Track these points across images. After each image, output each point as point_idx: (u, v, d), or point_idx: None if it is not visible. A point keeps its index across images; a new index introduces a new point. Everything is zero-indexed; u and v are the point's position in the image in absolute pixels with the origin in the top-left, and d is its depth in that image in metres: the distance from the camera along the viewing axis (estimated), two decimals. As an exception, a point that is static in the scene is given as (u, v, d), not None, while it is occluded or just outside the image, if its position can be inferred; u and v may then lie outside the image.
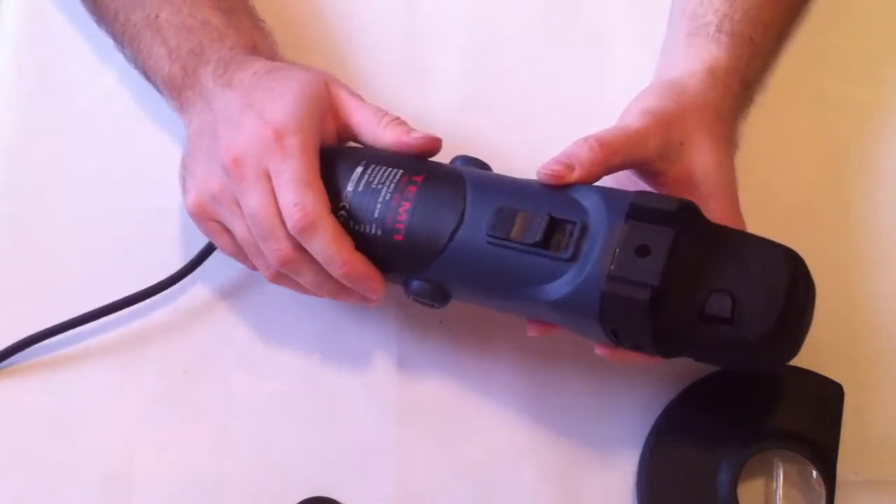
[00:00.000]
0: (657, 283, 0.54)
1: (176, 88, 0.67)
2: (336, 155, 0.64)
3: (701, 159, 0.62)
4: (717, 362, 0.61)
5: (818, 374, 0.65)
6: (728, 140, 0.65)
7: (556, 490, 0.66)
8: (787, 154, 0.73)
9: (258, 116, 0.62)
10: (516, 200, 0.59)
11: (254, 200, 0.61)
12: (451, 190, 0.60)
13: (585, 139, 0.60)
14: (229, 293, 0.70)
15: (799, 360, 0.66)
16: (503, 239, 0.58)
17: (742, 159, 0.67)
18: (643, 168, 0.63)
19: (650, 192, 0.59)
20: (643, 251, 0.55)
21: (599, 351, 0.60)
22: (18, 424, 0.68)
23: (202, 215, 0.64)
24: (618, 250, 0.55)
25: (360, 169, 0.62)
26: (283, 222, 0.60)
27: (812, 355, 0.67)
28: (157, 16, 0.68)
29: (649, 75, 0.70)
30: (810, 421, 0.64)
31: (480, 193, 0.60)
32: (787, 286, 0.55)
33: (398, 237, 0.60)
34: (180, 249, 0.70)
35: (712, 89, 0.65)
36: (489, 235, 0.58)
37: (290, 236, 0.60)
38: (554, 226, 0.57)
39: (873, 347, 0.68)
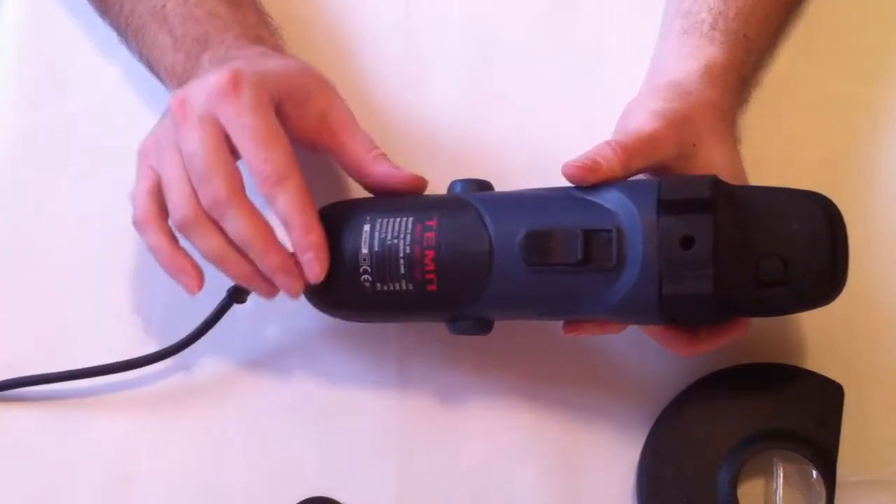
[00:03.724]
0: (712, 270, 0.54)
1: (178, 76, 0.67)
2: (333, 216, 0.61)
3: (714, 158, 0.62)
4: (774, 315, 0.62)
5: (818, 374, 0.65)
6: (733, 136, 0.66)
7: (556, 490, 0.66)
8: (785, 152, 0.73)
9: (223, 68, 0.60)
10: (541, 218, 0.58)
11: (194, 142, 0.59)
12: (469, 224, 0.59)
13: (608, 142, 0.60)
14: (229, 293, 0.70)
15: (799, 360, 0.67)
16: (542, 264, 0.57)
17: (741, 156, 0.67)
18: (659, 171, 0.62)
19: (675, 179, 0.58)
20: (687, 243, 0.55)
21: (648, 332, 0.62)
22: (18, 424, 0.68)
23: (143, 158, 0.63)
24: (662, 248, 0.55)
25: (366, 227, 0.60)
26: (222, 165, 0.58)
27: (812, 355, 0.67)
28: (163, 6, 0.68)
29: (647, 76, 0.70)
30: (810, 421, 0.64)
31: (500, 219, 0.58)
32: (828, 233, 0.56)
33: (432, 287, 0.59)
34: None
35: (711, 88, 0.65)
36: (527, 263, 0.57)
37: (226, 177, 0.58)
38: (590, 238, 0.56)
39: (873, 347, 0.68)
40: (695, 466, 0.63)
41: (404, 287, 0.59)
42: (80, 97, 0.76)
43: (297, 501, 0.65)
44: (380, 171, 0.63)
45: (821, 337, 0.67)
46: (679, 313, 0.56)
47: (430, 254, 0.58)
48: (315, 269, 0.59)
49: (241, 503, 0.66)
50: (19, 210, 0.73)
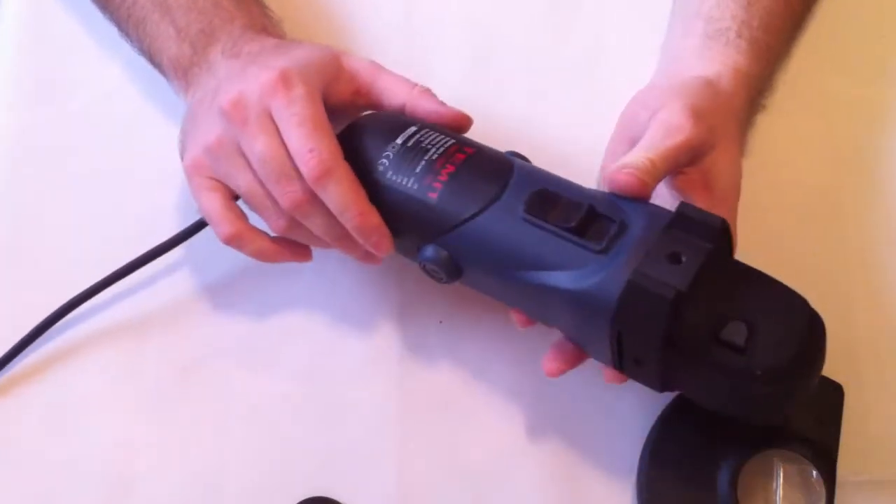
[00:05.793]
0: (685, 288, 0.53)
1: (182, 68, 0.67)
2: (388, 116, 0.64)
3: (721, 162, 0.62)
4: (714, 398, 0.59)
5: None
6: (742, 147, 0.65)
7: (556, 490, 0.66)
8: (790, 154, 0.73)
9: (262, 66, 0.61)
10: (561, 189, 0.59)
11: (260, 142, 0.60)
12: (497, 167, 0.61)
13: (644, 158, 0.59)
14: (229, 292, 0.70)
15: (799, 360, 0.67)
16: (540, 218, 0.58)
17: (747, 159, 0.67)
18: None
19: (694, 206, 0.58)
20: (675, 258, 0.55)
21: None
22: (18, 424, 0.68)
23: (197, 171, 0.63)
24: (650, 252, 0.55)
25: (413, 128, 0.62)
26: (294, 163, 0.59)
27: (812, 355, 0.67)
28: None
29: (649, 75, 0.70)
30: (810, 421, 0.64)
31: (526, 177, 0.60)
32: (805, 331, 0.56)
33: (432, 195, 0.60)
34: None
35: (735, 94, 0.65)
36: (526, 213, 0.58)
37: (303, 177, 0.59)
38: (593, 218, 0.57)
39: (873, 347, 0.68)
40: (695, 466, 0.63)
41: (409, 184, 0.60)
42: (80, 97, 0.76)
43: (297, 501, 0.65)
44: (428, 106, 0.64)
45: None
46: (630, 320, 0.55)
47: (451, 168, 0.60)
48: (383, 246, 0.61)
49: (241, 503, 0.66)
50: (19, 210, 0.73)
